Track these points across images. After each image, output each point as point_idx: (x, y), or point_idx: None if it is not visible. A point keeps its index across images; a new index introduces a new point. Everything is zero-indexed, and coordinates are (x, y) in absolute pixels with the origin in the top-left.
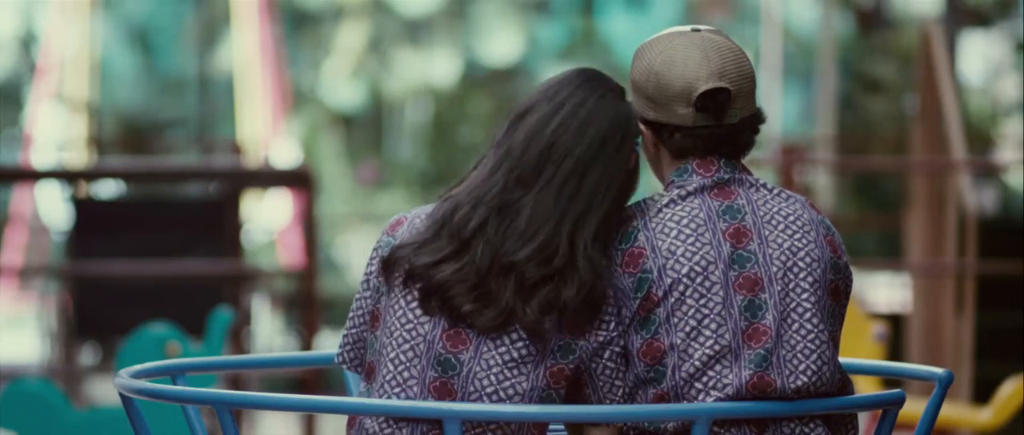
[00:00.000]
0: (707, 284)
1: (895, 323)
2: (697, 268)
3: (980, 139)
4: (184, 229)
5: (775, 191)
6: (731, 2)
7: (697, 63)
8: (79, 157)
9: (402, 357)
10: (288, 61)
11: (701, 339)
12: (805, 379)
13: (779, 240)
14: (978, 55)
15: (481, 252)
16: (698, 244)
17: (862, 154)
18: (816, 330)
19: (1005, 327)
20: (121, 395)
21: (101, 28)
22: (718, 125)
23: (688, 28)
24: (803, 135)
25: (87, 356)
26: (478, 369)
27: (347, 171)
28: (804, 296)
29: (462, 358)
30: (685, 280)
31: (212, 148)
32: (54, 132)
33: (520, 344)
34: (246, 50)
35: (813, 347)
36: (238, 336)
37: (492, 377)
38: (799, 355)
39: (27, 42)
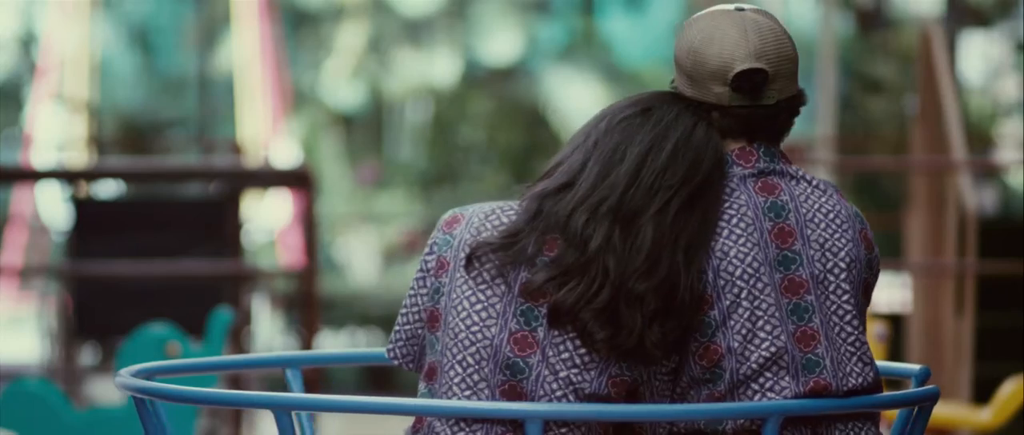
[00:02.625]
0: (760, 286)
1: (895, 323)
2: (749, 270)
3: (980, 139)
4: (184, 229)
5: (814, 183)
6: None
7: (734, 42)
8: (79, 157)
9: (470, 359)
10: (288, 61)
11: (756, 342)
12: (854, 381)
13: (820, 239)
14: (978, 55)
15: (609, 275)
16: (749, 245)
17: (862, 154)
18: (856, 332)
19: (1005, 327)
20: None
21: (101, 28)
22: (754, 106)
23: (731, 6)
24: (803, 135)
25: (87, 356)
26: (546, 373)
27: (347, 171)
28: (844, 298)
29: (530, 362)
30: (739, 282)
31: (212, 148)
32: (54, 132)
33: (584, 351)
34: (246, 50)
35: (854, 349)
36: (238, 336)
37: (560, 380)
38: (845, 357)
39: (27, 42)
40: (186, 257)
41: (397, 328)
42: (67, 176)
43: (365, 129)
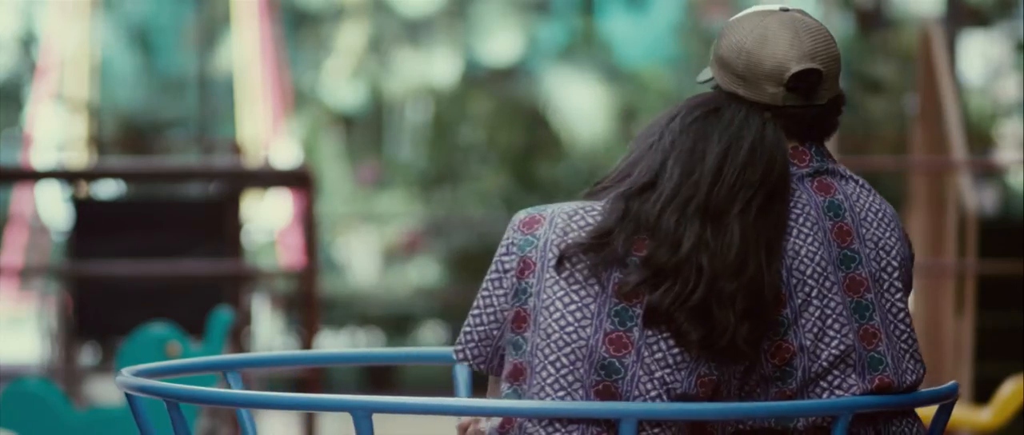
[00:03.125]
0: (828, 285)
1: None
2: (818, 269)
3: (980, 139)
4: (184, 229)
5: (860, 183)
6: (731, 2)
7: (788, 43)
8: (79, 157)
9: (564, 360)
10: (288, 61)
11: (826, 340)
12: (912, 377)
13: (874, 238)
14: (978, 55)
15: (702, 275)
16: (816, 244)
17: (862, 154)
18: (909, 329)
19: (1005, 327)
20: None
21: (101, 28)
22: (806, 105)
23: (776, 7)
24: None
25: (87, 356)
26: (641, 373)
27: (347, 171)
28: (897, 296)
29: (625, 362)
30: (810, 281)
31: (212, 148)
32: (54, 132)
33: (676, 350)
34: (246, 50)
35: (907, 346)
36: (238, 336)
37: (655, 381)
38: (901, 354)
39: (27, 42)
40: (186, 257)
41: (468, 329)
42: (67, 176)
43: (365, 129)
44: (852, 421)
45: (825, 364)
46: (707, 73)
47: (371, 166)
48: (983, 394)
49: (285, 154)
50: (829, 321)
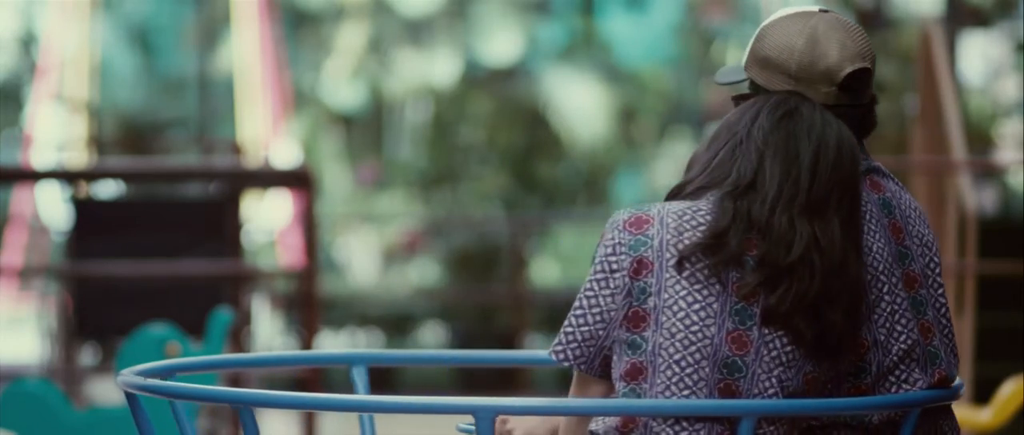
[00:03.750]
0: (894, 280)
1: None
2: (885, 265)
3: (980, 139)
4: (184, 229)
5: (896, 181)
6: (731, 2)
7: (841, 43)
8: (79, 157)
9: (689, 359)
10: (288, 61)
11: (895, 335)
12: (956, 371)
13: (919, 235)
14: (978, 55)
15: (815, 274)
16: (882, 241)
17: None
18: (950, 324)
19: (1005, 327)
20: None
21: (101, 28)
22: (855, 105)
23: (814, 8)
24: None
25: (87, 356)
26: (759, 371)
27: (347, 171)
28: (940, 292)
29: (746, 360)
30: (882, 277)
31: (212, 148)
32: (54, 132)
33: (789, 348)
34: (246, 50)
35: (950, 340)
36: (238, 336)
37: (772, 379)
38: (948, 348)
39: (27, 42)
40: (186, 257)
41: (570, 329)
42: (67, 176)
43: (365, 129)
44: (921, 415)
45: (895, 359)
46: (733, 74)
47: (371, 166)
48: (983, 394)
49: (285, 154)
50: (896, 316)
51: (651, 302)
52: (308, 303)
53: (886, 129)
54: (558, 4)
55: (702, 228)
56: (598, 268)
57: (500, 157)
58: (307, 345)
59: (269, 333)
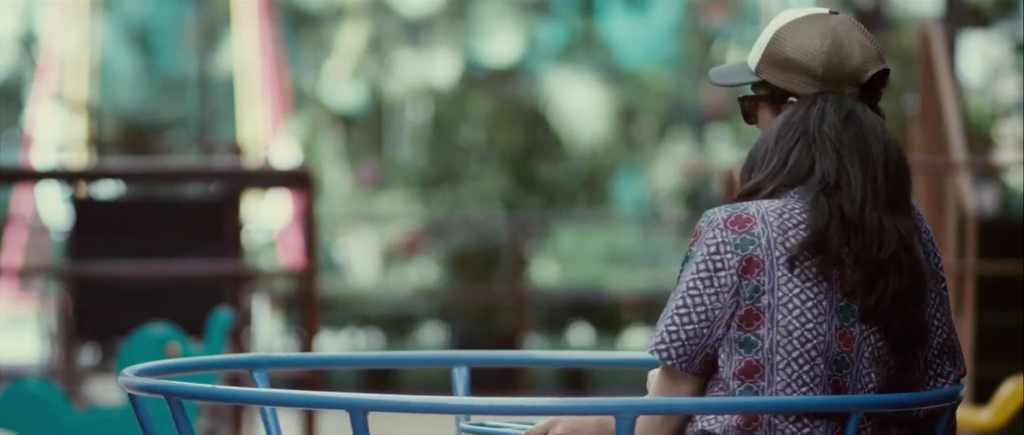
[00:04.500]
0: (928, 274)
1: None
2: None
3: (980, 139)
4: (184, 229)
5: None
6: (731, 2)
7: (862, 45)
8: (79, 157)
9: (805, 356)
10: (288, 61)
11: (933, 327)
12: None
13: (927, 233)
14: (978, 55)
15: (904, 271)
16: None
17: None
18: (953, 321)
19: (1005, 327)
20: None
21: (101, 28)
22: (874, 105)
23: (824, 10)
24: None
25: (87, 356)
26: (862, 367)
27: (347, 171)
28: (944, 286)
29: (851, 356)
30: (925, 272)
31: (212, 148)
32: (54, 132)
33: (880, 343)
34: (246, 50)
35: (957, 336)
36: (238, 336)
37: (872, 374)
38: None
39: (27, 42)
40: (186, 257)
41: (674, 327)
42: (67, 176)
43: (365, 129)
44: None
45: (934, 352)
46: (735, 74)
47: (371, 166)
48: (983, 394)
49: (285, 154)
50: (932, 310)
51: (764, 300)
52: (308, 303)
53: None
54: (558, 4)
55: (802, 226)
56: (701, 267)
57: (500, 157)
58: (307, 346)
59: (269, 333)
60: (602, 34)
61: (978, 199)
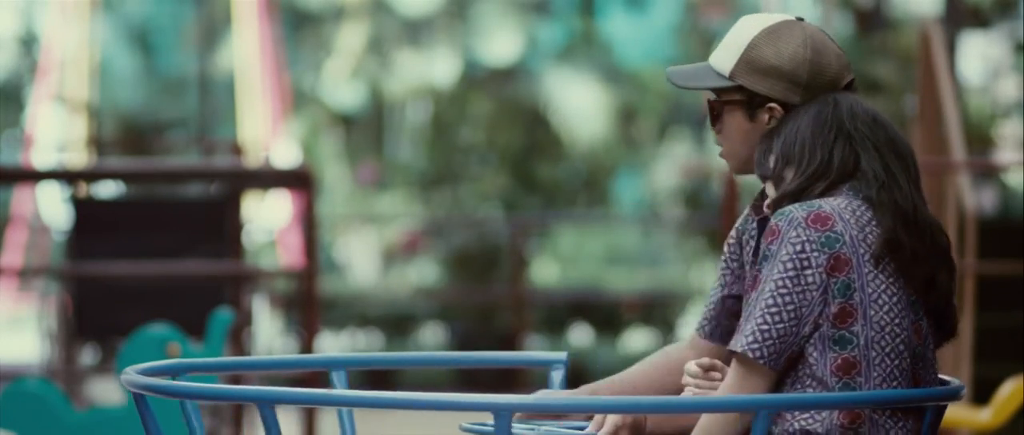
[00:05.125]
0: None
1: None
2: None
3: (980, 139)
4: (184, 229)
5: None
6: (731, 2)
7: (836, 52)
8: (79, 157)
9: (896, 350)
10: (288, 61)
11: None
12: None
13: None
14: (978, 55)
15: (952, 265)
16: None
17: None
18: None
19: (1005, 327)
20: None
21: (101, 28)
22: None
23: (790, 16)
24: None
25: (87, 356)
26: (929, 359)
27: (347, 171)
28: None
29: (924, 349)
30: None
31: (212, 148)
32: (54, 132)
33: (932, 335)
34: (246, 50)
35: None
36: (238, 337)
37: (935, 367)
38: None
39: (27, 42)
40: (186, 257)
41: (766, 326)
42: (67, 176)
43: (365, 129)
44: None
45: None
46: (700, 77)
47: (371, 166)
48: (982, 394)
49: (285, 154)
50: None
51: (857, 297)
52: (308, 303)
53: None
54: (558, 4)
55: (874, 223)
56: (788, 265)
57: (500, 157)
58: (307, 346)
59: (269, 333)
60: (602, 34)
61: (978, 199)
